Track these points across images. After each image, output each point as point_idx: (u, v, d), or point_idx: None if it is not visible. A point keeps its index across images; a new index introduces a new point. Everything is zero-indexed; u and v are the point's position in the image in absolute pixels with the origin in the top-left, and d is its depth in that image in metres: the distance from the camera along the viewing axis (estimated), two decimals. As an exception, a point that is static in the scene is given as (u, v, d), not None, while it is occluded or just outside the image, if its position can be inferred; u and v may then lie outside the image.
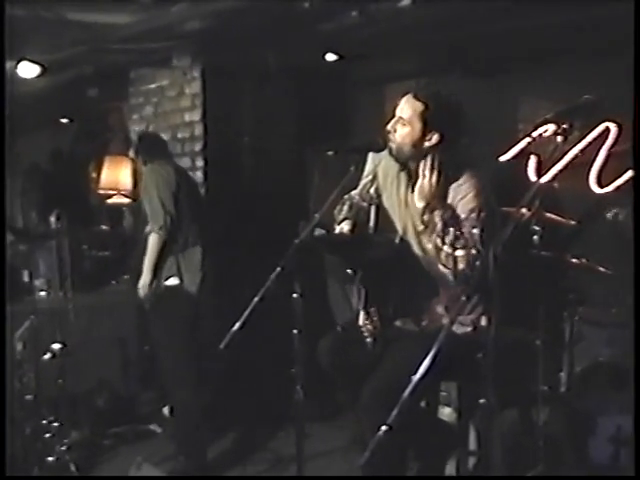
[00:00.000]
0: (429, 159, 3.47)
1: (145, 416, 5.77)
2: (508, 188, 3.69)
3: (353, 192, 3.80)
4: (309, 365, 3.49)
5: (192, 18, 5.48)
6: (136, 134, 5.44)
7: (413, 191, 3.54)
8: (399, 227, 3.61)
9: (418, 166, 3.52)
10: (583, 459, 4.27)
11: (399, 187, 3.63)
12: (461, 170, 3.50)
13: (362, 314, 3.71)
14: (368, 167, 3.83)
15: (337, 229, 3.64)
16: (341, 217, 3.70)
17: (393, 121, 3.56)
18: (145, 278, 5.07)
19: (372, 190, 3.77)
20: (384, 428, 2.45)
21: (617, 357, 4.54)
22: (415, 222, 3.50)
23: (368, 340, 3.66)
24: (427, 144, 3.49)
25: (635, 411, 3.79)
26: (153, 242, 5.06)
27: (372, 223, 3.74)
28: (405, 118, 3.51)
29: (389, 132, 3.56)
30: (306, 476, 4.26)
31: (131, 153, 5.43)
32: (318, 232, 3.50)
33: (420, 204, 3.46)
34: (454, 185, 3.47)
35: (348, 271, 3.80)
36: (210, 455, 5.10)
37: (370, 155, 3.82)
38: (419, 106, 3.48)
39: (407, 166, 3.59)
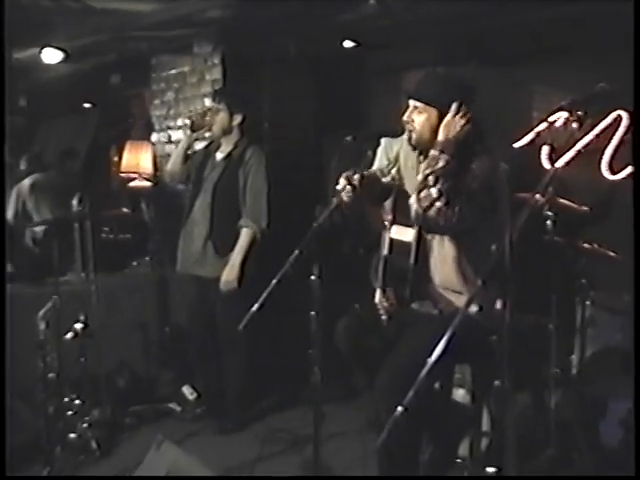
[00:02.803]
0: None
1: (165, 395, 5.81)
2: (522, 175, 3.74)
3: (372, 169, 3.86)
4: (326, 347, 3.55)
5: (213, 6, 5.54)
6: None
7: None
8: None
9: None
10: (594, 442, 4.29)
11: (419, 173, 3.69)
12: (478, 152, 3.57)
13: (379, 292, 3.79)
14: (390, 151, 3.88)
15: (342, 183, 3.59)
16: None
17: (409, 111, 3.62)
18: (232, 273, 5.14)
19: (394, 171, 3.84)
20: (400, 409, 2.50)
21: (628, 342, 4.57)
22: None
23: (383, 318, 3.74)
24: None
25: (635, 411, 3.85)
26: (247, 238, 5.15)
27: (391, 201, 3.83)
28: (420, 106, 3.57)
29: (407, 122, 3.63)
30: (306, 476, 4.37)
31: (236, 121, 5.26)
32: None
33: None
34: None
35: (360, 250, 3.87)
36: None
37: (387, 140, 3.87)
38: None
39: (426, 153, 3.64)
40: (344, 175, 3.54)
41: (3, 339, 4.27)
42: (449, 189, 3.42)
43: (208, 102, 6.12)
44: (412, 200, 3.50)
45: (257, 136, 5.52)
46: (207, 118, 5.24)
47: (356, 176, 3.52)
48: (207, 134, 5.38)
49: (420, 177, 3.50)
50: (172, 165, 5.50)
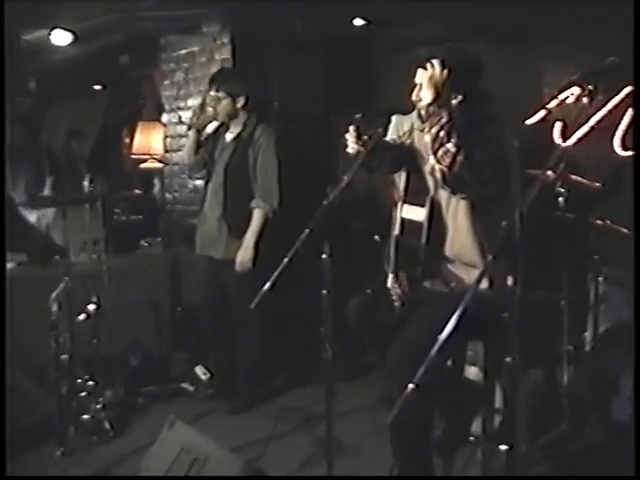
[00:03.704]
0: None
1: (178, 375, 5.84)
2: (534, 151, 3.72)
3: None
4: (338, 325, 3.56)
5: (221, -16, 5.53)
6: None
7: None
8: (431, 185, 3.66)
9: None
10: (606, 418, 4.29)
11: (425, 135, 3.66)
12: (488, 121, 3.56)
13: (391, 277, 3.79)
14: (401, 127, 3.86)
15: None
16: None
17: (416, 89, 3.61)
18: (247, 254, 5.16)
19: (408, 142, 3.82)
20: (411, 386, 2.49)
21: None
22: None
23: (396, 304, 3.74)
24: (454, 102, 3.54)
25: (635, 411, 3.85)
26: (259, 219, 5.17)
27: (403, 179, 3.81)
28: (427, 84, 3.55)
29: (416, 101, 3.61)
30: (306, 476, 4.38)
31: (239, 104, 5.26)
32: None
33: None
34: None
35: (376, 237, 3.86)
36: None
37: (398, 117, 3.86)
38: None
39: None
40: (353, 126, 3.53)
41: (3, 340, 4.28)
42: (464, 141, 3.40)
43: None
44: (431, 162, 3.47)
45: (266, 115, 5.51)
46: (209, 110, 5.23)
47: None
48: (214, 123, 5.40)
49: (429, 137, 3.46)
50: (187, 158, 5.54)
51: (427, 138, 3.47)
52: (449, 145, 3.39)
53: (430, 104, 3.47)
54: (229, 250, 5.23)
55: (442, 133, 3.41)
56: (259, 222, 5.15)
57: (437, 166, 3.43)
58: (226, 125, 5.35)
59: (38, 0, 5.55)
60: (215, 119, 5.31)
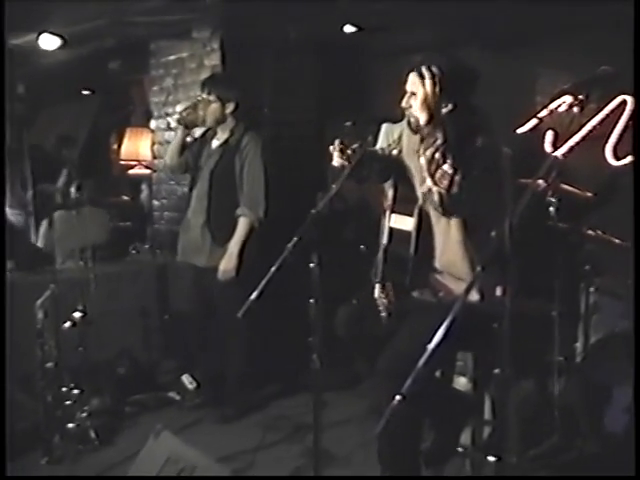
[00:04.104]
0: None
1: (165, 384, 5.80)
2: (525, 160, 3.70)
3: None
4: (326, 334, 3.52)
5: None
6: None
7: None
8: (419, 194, 3.62)
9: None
10: (598, 429, 4.27)
11: (420, 157, 3.65)
12: (478, 132, 3.53)
13: (378, 287, 3.75)
14: (391, 135, 3.83)
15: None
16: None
17: (407, 97, 3.59)
18: (230, 262, 5.11)
19: (395, 152, 3.79)
20: (398, 397, 2.48)
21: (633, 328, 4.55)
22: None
23: (382, 315, 3.71)
24: (444, 111, 3.52)
25: (635, 412, 3.82)
26: (244, 228, 5.11)
27: (392, 189, 3.78)
28: (417, 92, 3.53)
29: (405, 108, 3.59)
30: (306, 476, 4.35)
31: (229, 110, 5.22)
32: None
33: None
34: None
35: (362, 247, 3.83)
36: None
37: (388, 125, 3.83)
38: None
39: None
40: (338, 140, 3.52)
41: (3, 343, 4.25)
42: (459, 162, 3.38)
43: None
44: (428, 184, 3.45)
45: (256, 122, 5.47)
46: (199, 112, 5.19)
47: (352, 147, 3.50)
48: (201, 127, 5.36)
49: (424, 160, 3.47)
50: (170, 159, 5.50)
51: (422, 160, 3.47)
52: (445, 167, 3.39)
53: (425, 124, 3.47)
54: (212, 258, 5.19)
55: (438, 155, 3.41)
56: (244, 231, 5.11)
57: (434, 188, 3.42)
58: (213, 131, 5.31)
59: (28, 1, 5.49)
60: (203, 122, 5.25)
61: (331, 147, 3.52)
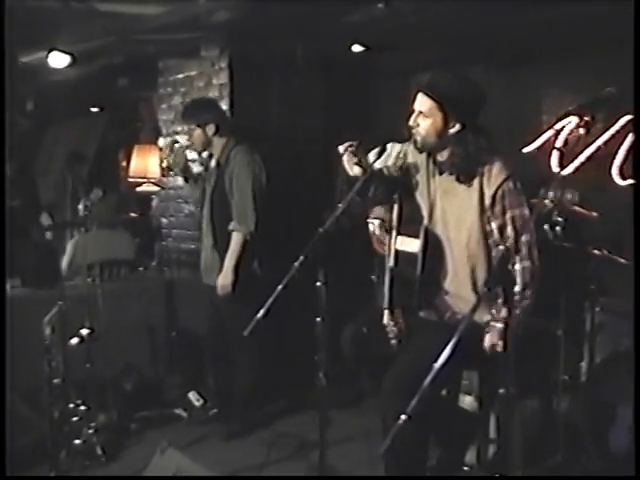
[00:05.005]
0: None
1: (171, 400, 5.79)
2: (531, 180, 3.71)
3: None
4: (332, 352, 3.53)
5: (220, 9, 5.52)
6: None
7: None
8: (425, 214, 3.65)
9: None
10: (602, 448, 4.27)
11: (427, 176, 3.68)
12: (489, 155, 3.55)
13: (386, 313, 3.76)
14: (395, 153, 3.85)
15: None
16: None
17: (414, 116, 3.59)
18: (227, 278, 5.12)
19: (400, 171, 3.80)
20: (403, 417, 2.49)
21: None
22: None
23: (393, 342, 3.72)
24: (451, 131, 3.54)
25: (635, 412, 3.82)
26: (237, 242, 5.10)
27: (397, 211, 3.78)
28: (425, 111, 3.54)
29: (412, 127, 3.60)
30: (306, 476, 4.35)
31: (210, 132, 5.23)
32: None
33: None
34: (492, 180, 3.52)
35: (372, 277, 3.84)
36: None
37: (393, 145, 3.83)
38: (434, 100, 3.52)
39: (433, 155, 3.64)
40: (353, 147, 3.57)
41: (3, 346, 4.26)
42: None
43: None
44: (500, 249, 3.49)
45: (249, 136, 5.46)
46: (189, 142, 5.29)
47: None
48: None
49: (495, 227, 3.55)
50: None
51: (494, 226, 3.53)
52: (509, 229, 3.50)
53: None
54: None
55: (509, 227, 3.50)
56: (237, 245, 5.11)
57: (501, 246, 3.45)
58: (209, 152, 5.35)
59: (37, 19, 5.54)
60: (194, 149, 5.34)
61: (345, 156, 3.56)
